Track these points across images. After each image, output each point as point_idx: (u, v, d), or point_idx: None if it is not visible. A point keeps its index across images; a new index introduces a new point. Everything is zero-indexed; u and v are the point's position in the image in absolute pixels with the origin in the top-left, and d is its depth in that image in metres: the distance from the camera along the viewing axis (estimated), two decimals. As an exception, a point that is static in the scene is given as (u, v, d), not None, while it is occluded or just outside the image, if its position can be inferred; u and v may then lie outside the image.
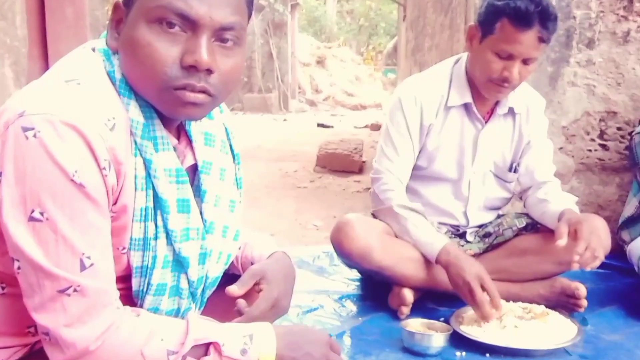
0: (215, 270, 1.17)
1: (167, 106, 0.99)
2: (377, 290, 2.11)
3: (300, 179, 5.03)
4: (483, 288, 1.76)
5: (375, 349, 1.77)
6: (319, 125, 9.77)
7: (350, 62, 15.38)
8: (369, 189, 4.54)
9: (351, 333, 1.89)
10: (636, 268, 2.08)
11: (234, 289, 1.16)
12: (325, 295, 2.19)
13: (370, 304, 2.11)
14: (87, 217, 0.92)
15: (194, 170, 1.12)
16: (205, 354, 1.01)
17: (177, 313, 1.13)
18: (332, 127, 9.64)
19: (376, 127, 8.75)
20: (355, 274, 2.31)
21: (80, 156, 0.89)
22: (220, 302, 1.25)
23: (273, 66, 12.40)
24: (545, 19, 1.77)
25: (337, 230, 1.97)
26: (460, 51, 3.37)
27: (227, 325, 1.06)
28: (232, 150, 1.22)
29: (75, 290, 0.91)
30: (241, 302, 1.16)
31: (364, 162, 5.40)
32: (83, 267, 0.92)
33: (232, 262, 1.28)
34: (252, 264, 1.26)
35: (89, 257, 0.92)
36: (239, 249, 1.30)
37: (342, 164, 5.22)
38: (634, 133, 2.32)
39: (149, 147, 1.00)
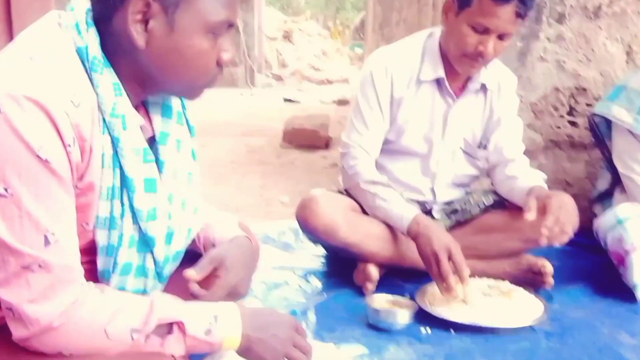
0: (178, 244, 1.17)
1: (190, 96, 1.11)
2: (342, 267, 2.10)
3: (266, 155, 4.97)
4: (451, 260, 1.75)
5: (340, 325, 1.77)
6: (286, 100, 9.68)
7: (317, 36, 15.25)
8: (336, 164, 4.52)
9: (316, 309, 1.89)
10: (602, 243, 2.10)
11: (192, 274, 1.15)
12: (290, 271, 2.18)
13: (335, 280, 2.10)
14: (51, 193, 0.93)
15: (151, 142, 1.12)
16: (169, 332, 1.02)
17: (143, 293, 1.13)
18: (298, 102, 9.56)
19: (343, 102, 8.71)
20: (320, 250, 2.29)
21: (44, 132, 0.91)
22: (183, 280, 1.24)
23: (239, 40, 12.21)
24: None
25: (303, 206, 1.96)
26: (428, 26, 3.33)
27: (193, 305, 1.07)
28: (187, 122, 1.22)
29: (39, 266, 0.93)
30: (194, 286, 1.15)
31: (330, 137, 5.37)
32: (47, 243, 0.93)
33: (194, 240, 1.28)
34: (213, 245, 1.26)
35: (53, 234, 0.93)
36: (202, 228, 1.30)
37: (309, 139, 5.18)
38: (591, 114, 2.31)
39: (117, 125, 1.01)
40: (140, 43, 0.99)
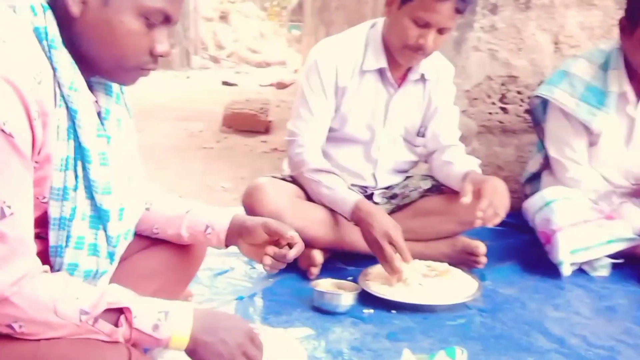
0: (129, 221, 1.20)
1: (122, 80, 1.13)
2: (287, 252, 2.13)
3: (206, 139, 4.91)
4: (392, 244, 1.81)
5: (286, 309, 1.80)
6: (224, 83, 9.55)
7: (254, 17, 15.06)
8: (276, 149, 4.53)
9: (262, 294, 1.91)
10: (531, 223, 2.21)
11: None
12: (235, 257, 2.18)
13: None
14: (10, 167, 0.95)
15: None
16: (117, 321, 1.03)
17: (95, 275, 1.14)
18: (236, 85, 9.46)
19: (282, 86, 8.67)
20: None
21: (11, 108, 0.93)
22: (131, 271, 1.29)
23: (174, 20, 11.89)
24: None
25: (249, 194, 1.97)
26: (368, 13, 3.39)
27: (145, 299, 1.08)
28: (125, 104, 1.26)
29: None
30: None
31: (270, 122, 5.35)
32: (3, 216, 0.95)
33: (174, 227, 1.37)
34: (208, 227, 1.38)
35: (9, 207, 0.95)
36: (186, 213, 1.39)
37: (249, 123, 5.15)
38: (532, 96, 2.44)
39: (75, 97, 1.05)
40: (73, 10, 1.03)
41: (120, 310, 1.04)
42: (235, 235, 1.41)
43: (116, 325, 1.03)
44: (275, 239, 1.39)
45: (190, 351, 1.09)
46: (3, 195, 0.95)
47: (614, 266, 2.16)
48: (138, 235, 1.37)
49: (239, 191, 2.05)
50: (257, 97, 5.94)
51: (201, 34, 13.23)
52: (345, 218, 1.94)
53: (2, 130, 0.93)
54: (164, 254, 1.43)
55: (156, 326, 1.05)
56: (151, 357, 1.28)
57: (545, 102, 2.33)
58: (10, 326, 0.99)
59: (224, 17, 14.37)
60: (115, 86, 1.21)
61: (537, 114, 2.40)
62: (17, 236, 0.97)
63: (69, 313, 1.00)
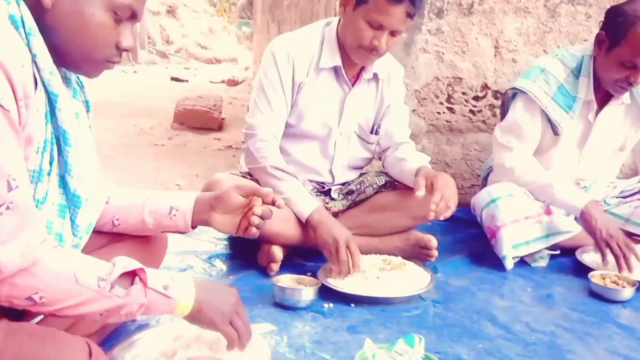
0: (93, 213, 1.24)
1: (88, 71, 1.16)
2: (245, 249, 2.15)
3: (157, 136, 4.85)
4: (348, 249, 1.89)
5: (247, 305, 1.74)
6: (173, 78, 9.43)
7: (203, 12, 14.89)
8: (231, 146, 4.53)
9: (223, 292, 1.93)
10: (479, 219, 2.30)
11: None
12: (193, 256, 2.19)
13: (239, 263, 2.14)
14: (10, 142, 0.98)
15: None
16: (132, 285, 1.11)
17: None
18: (186, 81, 9.35)
19: (233, 83, 8.62)
20: (222, 233, 2.32)
21: (3, 86, 0.96)
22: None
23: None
24: None
25: (207, 189, 1.98)
26: (320, 12, 3.44)
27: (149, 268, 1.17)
28: (84, 98, 1.29)
29: (7, 208, 0.97)
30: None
31: (223, 119, 5.33)
32: (10, 188, 0.98)
33: (135, 218, 1.41)
34: (172, 209, 1.40)
35: (14, 179, 0.99)
36: (147, 199, 1.43)
37: (201, 120, 5.10)
38: (507, 90, 2.45)
39: (55, 82, 1.09)
40: (46, 1, 1.06)
41: (133, 276, 1.12)
42: (206, 210, 1.45)
43: (131, 285, 1.11)
44: (249, 202, 1.46)
45: (195, 312, 1.19)
46: (7, 168, 0.98)
47: (552, 257, 2.29)
48: (97, 232, 1.38)
49: (194, 189, 2.05)
50: (209, 94, 5.88)
51: (148, 28, 12.99)
52: (302, 219, 2.00)
53: (1, 106, 0.96)
54: (124, 250, 1.42)
55: (166, 286, 1.14)
56: (111, 357, 1.30)
57: (514, 95, 2.35)
58: (30, 298, 1.03)
59: (171, 11, 14.15)
60: (73, 77, 1.24)
61: (507, 106, 2.41)
62: (27, 206, 1.01)
63: (87, 279, 1.06)
